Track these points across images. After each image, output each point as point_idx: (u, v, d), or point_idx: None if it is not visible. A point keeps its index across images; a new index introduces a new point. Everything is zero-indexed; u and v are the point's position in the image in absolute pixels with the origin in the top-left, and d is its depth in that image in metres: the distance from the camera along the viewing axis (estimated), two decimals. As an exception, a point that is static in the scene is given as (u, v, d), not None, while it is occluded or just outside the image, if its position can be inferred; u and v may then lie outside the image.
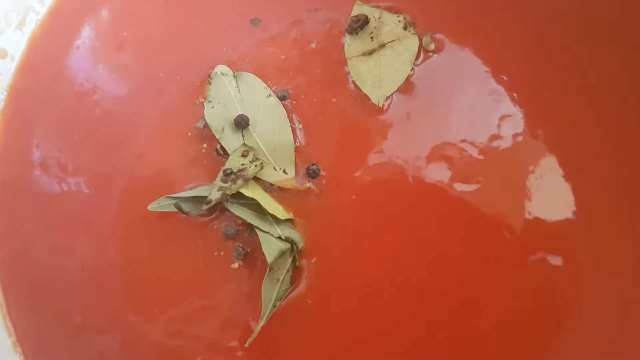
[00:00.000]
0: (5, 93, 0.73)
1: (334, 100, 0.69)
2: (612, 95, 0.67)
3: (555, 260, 0.63)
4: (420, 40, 0.70)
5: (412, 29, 0.70)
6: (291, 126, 0.68)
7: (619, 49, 0.69)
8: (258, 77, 0.69)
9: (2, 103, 0.73)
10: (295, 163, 0.67)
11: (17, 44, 0.75)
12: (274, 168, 0.66)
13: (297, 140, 0.68)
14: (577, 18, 0.70)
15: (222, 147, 0.67)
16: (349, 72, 0.69)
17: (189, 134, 0.69)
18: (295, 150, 0.67)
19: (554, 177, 0.65)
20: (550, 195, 0.65)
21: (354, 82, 0.69)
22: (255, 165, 0.64)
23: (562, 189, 0.65)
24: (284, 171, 0.66)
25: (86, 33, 0.75)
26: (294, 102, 0.69)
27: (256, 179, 0.66)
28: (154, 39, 0.73)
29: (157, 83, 0.71)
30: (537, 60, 0.69)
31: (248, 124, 0.66)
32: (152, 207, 0.65)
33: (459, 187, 0.66)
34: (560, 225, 0.64)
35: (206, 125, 0.68)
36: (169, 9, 0.74)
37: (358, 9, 0.71)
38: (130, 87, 0.72)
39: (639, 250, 0.63)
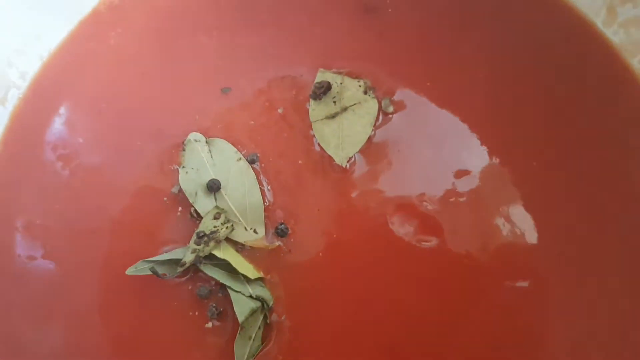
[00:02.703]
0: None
1: (300, 162, 0.73)
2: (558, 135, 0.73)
3: (523, 284, 0.67)
4: (380, 103, 0.75)
5: (371, 92, 0.75)
6: (260, 188, 0.71)
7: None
8: (229, 142, 0.73)
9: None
10: (265, 223, 0.70)
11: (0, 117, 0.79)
12: (245, 228, 0.69)
13: (266, 201, 0.71)
14: (534, 78, 0.75)
15: (195, 210, 0.70)
16: (314, 135, 0.74)
17: (165, 198, 0.72)
18: (265, 210, 0.71)
19: (514, 212, 0.70)
20: (512, 228, 0.69)
21: (319, 144, 0.73)
22: (227, 227, 0.67)
23: (523, 220, 0.69)
24: (255, 231, 0.70)
25: (65, 105, 0.79)
26: (263, 165, 0.73)
27: (228, 239, 0.69)
28: (131, 110, 0.77)
29: (134, 151, 0.75)
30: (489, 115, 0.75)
31: (220, 188, 0.70)
32: (130, 271, 0.67)
33: (422, 238, 0.69)
34: (525, 251, 0.68)
35: (181, 190, 0.71)
36: (145, 80, 0.79)
37: (321, 76, 0.76)
38: (108, 155, 0.76)
39: (599, 267, 0.68)
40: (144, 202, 0.73)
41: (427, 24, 0.80)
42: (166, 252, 0.69)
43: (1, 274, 0.72)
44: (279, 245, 0.70)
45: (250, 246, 0.69)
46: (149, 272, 0.66)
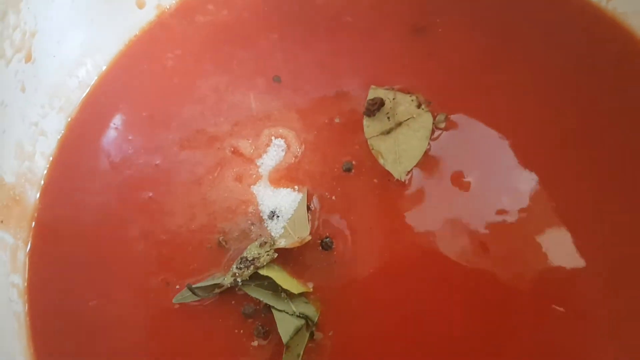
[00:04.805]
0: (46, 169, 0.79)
1: (353, 175, 0.72)
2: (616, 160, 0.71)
3: (561, 309, 0.64)
4: (434, 117, 0.74)
5: (424, 106, 0.75)
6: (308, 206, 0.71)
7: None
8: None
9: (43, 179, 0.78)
10: (311, 234, 0.69)
11: (57, 125, 0.81)
12: (291, 236, 0.69)
13: (315, 213, 0.71)
14: (588, 98, 0.74)
15: (223, 239, 0.71)
16: (369, 150, 0.73)
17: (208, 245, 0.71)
18: (313, 224, 0.70)
19: (561, 236, 0.67)
20: (558, 252, 0.66)
21: (374, 158, 0.73)
22: (268, 255, 0.67)
23: (569, 245, 0.67)
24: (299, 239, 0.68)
25: (120, 115, 0.81)
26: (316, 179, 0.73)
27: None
28: (184, 124, 0.79)
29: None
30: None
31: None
32: (177, 299, 0.68)
33: (471, 259, 0.67)
34: (568, 277, 0.65)
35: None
36: (199, 95, 0.81)
37: (373, 92, 0.77)
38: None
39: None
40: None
41: (477, 44, 0.80)
42: (209, 279, 0.69)
43: (52, 274, 0.72)
44: (310, 239, 0.68)
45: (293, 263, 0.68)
46: (195, 298, 0.67)
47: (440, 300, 0.66)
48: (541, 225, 0.68)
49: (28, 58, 0.77)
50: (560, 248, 0.67)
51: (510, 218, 0.69)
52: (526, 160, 0.72)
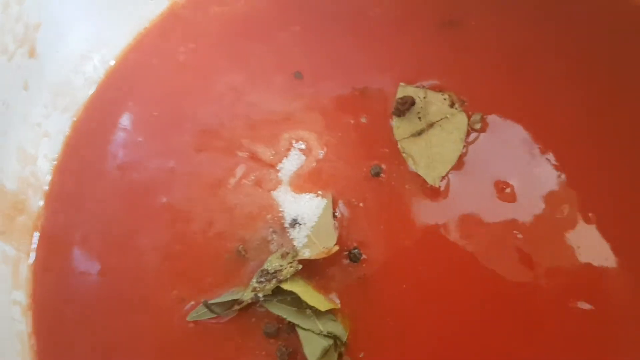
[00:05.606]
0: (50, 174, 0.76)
1: (383, 181, 0.68)
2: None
3: (591, 307, 0.61)
4: (469, 117, 0.70)
5: (458, 106, 0.71)
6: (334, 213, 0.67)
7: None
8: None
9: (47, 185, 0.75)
10: (337, 244, 0.64)
11: (61, 126, 0.77)
12: (316, 245, 0.64)
13: (344, 223, 0.66)
14: (630, 97, 0.70)
15: (243, 247, 0.67)
16: (399, 152, 0.69)
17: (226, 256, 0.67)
18: (340, 235, 0.65)
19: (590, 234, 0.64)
20: (587, 250, 0.63)
21: (404, 162, 0.68)
22: (291, 267, 0.63)
23: (598, 243, 0.63)
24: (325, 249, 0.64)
25: (129, 115, 0.77)
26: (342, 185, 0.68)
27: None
28: (197, 124, 0.74)
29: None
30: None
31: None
32: (192, 317, 0.64)
33: (511, 274, 0.63)
34: (599, 274, 0.62)
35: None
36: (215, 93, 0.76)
37: (403, 91, 0.72)
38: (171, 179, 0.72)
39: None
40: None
41: (512, 38, 0.75)
42: (226, 294, 0.65)
43: (58, 288, 0.69)
44: (337, 250, 0.63)
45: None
46: (211, 315, 0.63)
47: (483, 320, 0.61)
48: (570, 225, 0.64)
49: (31, 53, 0.74)
50: (587, 246, 0.63)
51: (560, 230, 0.64)
52: (565, 162, 0.67)
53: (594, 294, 0.62)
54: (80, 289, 0.68)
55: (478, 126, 0.70)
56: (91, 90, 0.80)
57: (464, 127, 0.69)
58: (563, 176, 0.67)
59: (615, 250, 0.63)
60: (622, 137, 0.68)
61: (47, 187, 0.75)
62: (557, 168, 0.67)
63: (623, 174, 0.67)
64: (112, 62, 0.81)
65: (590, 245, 0.63)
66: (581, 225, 0.64)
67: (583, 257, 0.63)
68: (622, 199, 0.66)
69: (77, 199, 0.73)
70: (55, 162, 0.76)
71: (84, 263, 0.69)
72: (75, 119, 0.78)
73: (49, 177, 0.75)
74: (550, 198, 0.66)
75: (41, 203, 0.74)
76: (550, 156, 0.68)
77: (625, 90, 0.71)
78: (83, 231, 0.70)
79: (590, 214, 0.65)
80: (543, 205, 0.65)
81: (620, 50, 0.73)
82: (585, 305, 0.61)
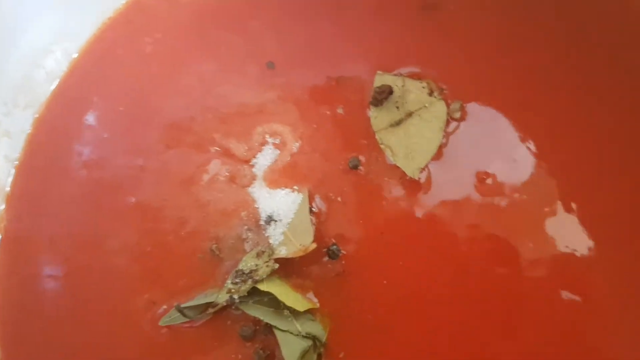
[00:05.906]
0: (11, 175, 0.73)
1: (361, 174, 0.66)
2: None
3: (575, 298, 0.61)
4: (448, 106, 0.68)
5: (437, 94, 0.69)
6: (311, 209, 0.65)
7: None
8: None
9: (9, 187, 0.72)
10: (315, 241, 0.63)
11: (22, 124, 0.74)
12: (292, 244, 0.63)
13: (321, 217, 0.65)
14: (610, 85, 0.68)
15: (217, 246, 0.65)
16: (377, 144, 0.67)
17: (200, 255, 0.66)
18: (317, 230, 0.64)
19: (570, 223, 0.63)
20: (567, 238, 0.63)
21: (383, 154, 0.66)
22: (267, 266, 0.61)
23: (578, 233, 0.63)
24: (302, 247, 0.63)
25: (93, 110, 0.74)
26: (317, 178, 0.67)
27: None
28: (164, 117, 0.72)
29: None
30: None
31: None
32: (164, 321, 0.63)
33: (494, 266, 0.62)
34: (580, 264, 0.62)
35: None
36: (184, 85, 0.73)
37: (380, 79, 0.69)
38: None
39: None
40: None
41: (493, 22, 0.73)
42: (200, 297, 0.63)
43: (23, 293, 0.66)
44: (315, 247, 0.62)
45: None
46: (184, 319, 0.62)
47: (466, 314, 0.61)
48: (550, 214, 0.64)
49: (-13, 47, 0.70)
50: (568, 236, 0.63)
51: (541, 219, 0.63)
52: (546, 150, 0.66)
53: (577, 283, 0.61)
54: (46, 294, 0.65)
55: (457, 115, 0.68)
56: (53, 86, 0.76)
57: (443, 116, 0.67)
58: (544, 165, 0.65)
59: (597, 239, 0.62)
60: (604, 125, 0.67)
61: (8, 189, 0.72)
62: (538, 157, 0.66)
63: (604, 162, 0.66)
64: (75, 55, 0.78)
65: (572, 235, 0.63)
66: (563, 215, 0.63)
67: (565, 247, 0.62)
68: (604, 187, 0.65)
69: (41, 200, 0.70)
70: (16, 163, 0.73)
71: (50, 266, 0.66)
72: (37, 116, 0.75)
73: (10, 179, 0.72)
74: (532, 188, 0.65)
75: (2, 206, 0.71)
76: (532, 145, 0.66)
77: (607, 78, 0.69)
78: (48, 233, 0.68)
79: (572, 204, 0.64)
80: (525, 196, 0.64)
81: (603, 37, 0.71)
82: (569, 295, 0.61)
